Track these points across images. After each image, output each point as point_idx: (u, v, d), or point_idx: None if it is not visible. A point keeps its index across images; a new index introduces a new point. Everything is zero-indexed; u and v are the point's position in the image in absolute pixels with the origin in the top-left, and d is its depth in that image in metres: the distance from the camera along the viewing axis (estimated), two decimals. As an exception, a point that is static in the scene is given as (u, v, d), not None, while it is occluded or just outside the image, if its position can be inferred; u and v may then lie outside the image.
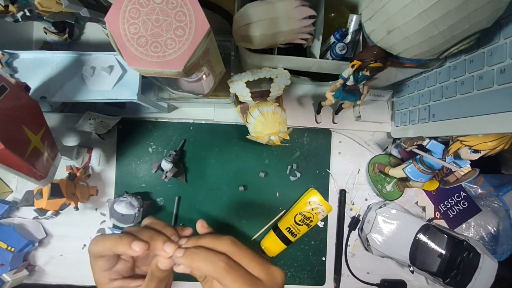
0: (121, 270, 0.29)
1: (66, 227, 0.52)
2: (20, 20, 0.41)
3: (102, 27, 0.50)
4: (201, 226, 0.29)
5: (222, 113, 0.54)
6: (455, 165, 0.41)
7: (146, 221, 0.29)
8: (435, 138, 0.43)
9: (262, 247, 0.52)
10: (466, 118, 0.37)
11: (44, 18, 0.42)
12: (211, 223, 0.54)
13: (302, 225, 0.51)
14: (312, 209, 0.51)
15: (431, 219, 0.53)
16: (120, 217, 0.46)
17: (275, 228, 0.52)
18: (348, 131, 0.56)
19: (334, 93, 0.43)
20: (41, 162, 0.35)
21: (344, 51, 0.42)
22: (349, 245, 0.55)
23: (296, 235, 0.51)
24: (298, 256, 0.54)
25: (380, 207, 0.53)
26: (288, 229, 0.51)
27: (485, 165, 0.56)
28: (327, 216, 0.54)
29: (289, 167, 0.54)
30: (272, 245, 0.52)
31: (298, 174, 0.54)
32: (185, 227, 0.29)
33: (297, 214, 0.51)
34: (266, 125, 0.42)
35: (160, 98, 0.46)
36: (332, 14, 0.46)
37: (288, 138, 0.44)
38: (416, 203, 0.56)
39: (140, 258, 0.31)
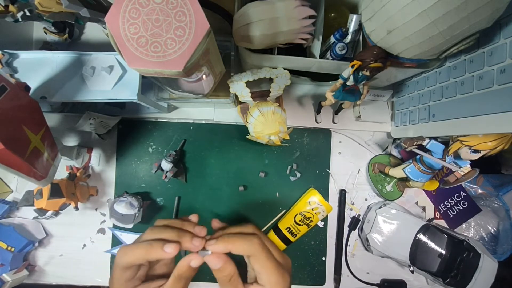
0: (141, 276, 0.29)
1: (66, 227, 0.52)
2: (20, 20, 0.41)
3: (102, 27, 0.50)
4: (216, 223, 0.32)
5: (222, 113, 0.54)
6: (455, 165, 0.41)
7: (160, 223, 0.29)
8: (435, 138, 0.43)
9: None
10: (466, 118, 0.37)
11: (44, 18, 0.42)
12: (211, 223, 0.53)
13: (302, 225, 0.51)
14: (312, 209, 0.51)
15: (431, 219, 0.53)
16: (120, 217, 0.46)
17: (275, 228, 0.52)
18: (348, 131, 0.56)
19: (334, 93, 0.43)
20: (41, 162, 0.35)
21: (344, 51, 0.42)
22: (349, 245, 0.55)
23: (296, 235, 0.51)
24: (298, 256, 0.54)
25: (380, 207, 0.53)
26: (288, 229, 0.51)
27: (485, 165, 0.56)
28: (327, 216, 0.54)
29: (289, 167, 0.54)
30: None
31: (298, 174, 0.54)
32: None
33: (297, 214, 0.51)
34: (266, 125, 0.42)
35: (160, 98, 0.46)
36: (332, 14, 0.46)
37: (288, 138, 0.44)
38: (416, 203, 0.56)
39: (154, 260, 0.31)
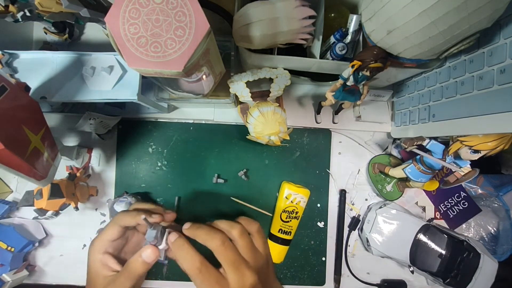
0: (116, 246, 0.33)
1: (66, 227, 0.52)
2: (20, 20, 0.41)
3: (102, 27, 0.50)
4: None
5: (222, 113, 0.54)
6: (455, 165, 0.41)
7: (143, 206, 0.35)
8: (435, 138, 0.43)
9: None
10: (466, 118, 0.37)
11: (44, 18, 0.42)
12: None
13: (290, 220, 0.51)
14: (291, 201, 0.51)
15: (431, 219, 0.53)
16: (120, 217, 0.46)
17: (270, 235, 0.52)
18: (348, 131, 0.56)
19: (334, 93, 0.43)
20: (41, 162, 0.35)
21: (344, 51, 0.42)
22: (349, 245, 0.55)
23: (290, 232, 0.51)
24: (298, 256, 0.54)
25: (380, 207, 0.53)
26: (280, 230, 0.51)
27: (485, 165, 0.56)
28: (327, 216, 0.54)
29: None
30: (274, 252, 0.52)
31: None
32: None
33: (281, 213, 0.51)
34: (266, 125, 0.42)
35: (160, 98, 0.46)
36: (332, 14, 0.46)
37: (288, 138, 0.44)
38: (416, 203, 0.56)
39: (131, 243, 0.35)
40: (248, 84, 0.43)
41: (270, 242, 0.52)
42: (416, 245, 0.50)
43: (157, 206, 0.35)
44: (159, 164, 0.53)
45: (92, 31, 0.54)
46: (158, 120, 0.54)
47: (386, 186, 0.54)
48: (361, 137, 0.57)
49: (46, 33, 0.49)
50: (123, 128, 0.53)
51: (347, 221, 0.55)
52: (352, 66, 0.38)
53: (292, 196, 0.51)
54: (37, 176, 0.35)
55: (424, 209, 0.56)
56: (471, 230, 0.58)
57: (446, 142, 0.42)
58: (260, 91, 0.49)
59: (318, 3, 0.41)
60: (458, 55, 0.39)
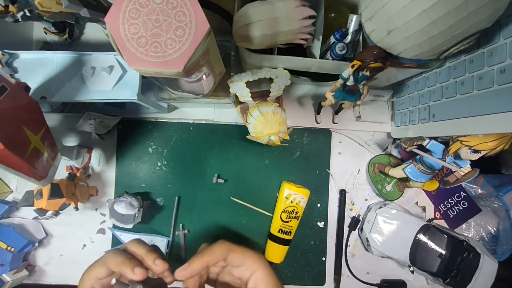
0: (103, 284, 0.31)
1: (66, 227, 0.52)
2: (20, 20, 0.41)
3: (102, 27, 0.50)
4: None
5: (222, 113, 0.54)
6: (455, 165, 0.41)
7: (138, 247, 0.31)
8: (435, 138, 0.43)
9: (268, 259, 0.52)
10: (466, 118, 0.37)
11: (44, 18, 0.42)
12: (210, 224, 0.55)
13: (290, 220, 0.51)
14: (291, 201, 0.51)
15: (431, 219, 0.53)
16: (120, 217, 0.46)
17: (270, 235, 0.52)
18: (348, 131, 0.56)
19: (334, 93, 0.43)
20: (41, 162, 0.35)
21: (344, 51, 0.42)
22: (349, 245, 0.55)
23: (290, 232, 0.51)
24: (298, 256, 0.54)
25: (380, 207, 0.53)
26: (280, 230, 0.51)
27: (485, 165, 0.56)
28: (327, 216, 0.54)
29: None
30: (274, 252, 0.52)
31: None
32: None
33: (281, 213, 0.51)
34: (266, 125, 0.42)
35: (160, 98, 0.46)
36: (332, 14, 0.46)
37: (288, 138, 0.44)
38: (416, 203, 0.56)
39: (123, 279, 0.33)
40: (248, 84, 0.43)
41: (270, 242, 0.52)
42: (416, 245, 0.50)
43: (152, 252, 0.30)
44: (159, 164, 0.53)
45: (92, 31, 0.54)
46: (158, 120, 0.54)
47: (386, 186, 0.54)
48: (361, 137, 0.57)
49: (46, 33, 0.49)
50: (123, 128, 0.53)
51: (347, 221, 0.55)
52: (352, 66, 0.37)
53: (292, 196, 0.51)
54: (37, 176, 0.35)
55: (424, 209, 0.56)
56: (471, 230, 0.58)
57: (446, 142, 0.42)
58: (260, 91, 0.49)
59: (318, 3, 0.41)
60: (458, 55, 0.39)
